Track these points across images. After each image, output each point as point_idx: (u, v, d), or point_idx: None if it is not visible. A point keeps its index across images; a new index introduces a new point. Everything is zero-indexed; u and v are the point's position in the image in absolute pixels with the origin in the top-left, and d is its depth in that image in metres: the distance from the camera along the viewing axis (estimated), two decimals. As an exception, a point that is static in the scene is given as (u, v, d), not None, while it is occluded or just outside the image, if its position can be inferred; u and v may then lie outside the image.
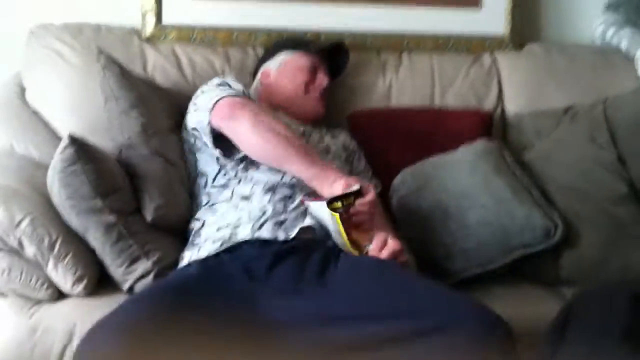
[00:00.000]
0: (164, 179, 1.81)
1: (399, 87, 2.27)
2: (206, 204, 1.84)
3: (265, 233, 1.70)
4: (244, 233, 1.71)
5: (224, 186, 1.83)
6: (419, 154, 2.04)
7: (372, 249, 1.64)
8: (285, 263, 1.64)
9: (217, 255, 1.68)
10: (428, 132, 2.13)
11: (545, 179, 1.97)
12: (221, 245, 1.70)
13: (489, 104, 2.30)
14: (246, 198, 1.78)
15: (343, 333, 1.48)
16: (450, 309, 1.44)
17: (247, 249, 1.68)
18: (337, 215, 1.60)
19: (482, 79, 2.32)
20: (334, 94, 2.18)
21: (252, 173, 1.81)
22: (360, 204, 1.64)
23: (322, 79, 2.08)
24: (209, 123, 1.79)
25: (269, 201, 1.76)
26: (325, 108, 2.09)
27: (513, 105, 2.30)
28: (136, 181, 1.78)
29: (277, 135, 1.74)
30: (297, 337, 1.49)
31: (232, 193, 1.81)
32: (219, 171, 1.84)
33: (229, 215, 1.77)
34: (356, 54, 2.27)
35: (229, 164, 1.83)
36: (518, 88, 2.31)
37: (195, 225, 1.81)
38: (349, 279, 1.59)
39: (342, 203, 1.61)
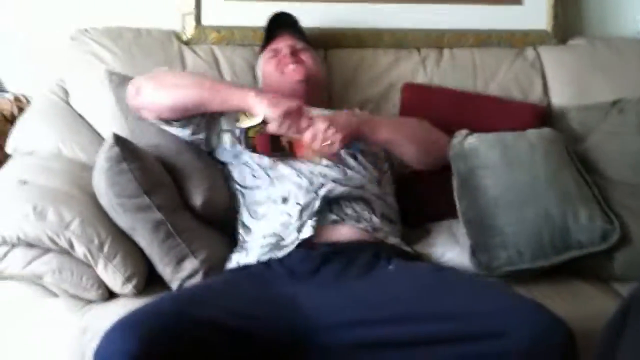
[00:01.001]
0: (200, 165, 1.83)
1: (440, 81, 2.25)
2: (245, 206, 1.84)
3: (307, 232, 1.69)
4: (290, 238, 1.71)
5: (258, 187, 1.83)
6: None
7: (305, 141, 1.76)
8: (330, 264, 1.64)
9: (265, 261, 1.69)
10: (481, 118, 2.09)
11: (595, 172, 1.94)
12: (269, 250, 1.70)
13: (533, 97, 2.28)
14: (285, 200, 1.78)
15: (392, 332, 1.46)
16: (510, 311, 1.43)
17: (294, 253, 1.68)
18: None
19: (526, 73, 2.30)
20: (371, 88, 2.21)
21: (281, 171, 1.81)
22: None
23: (280, 47, 2.03)
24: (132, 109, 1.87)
25: (304, 199, 1.75)
26: (306, 68, 2.00)
27: (558, 99, 2.28)
28: (175, 175, 1.79)
29: (180, 84, 1.81)
30: (341, 336, 1.48)
31: (268, 196, 1.80)
32: (245, 170, 1.86)
33: (273, 220, 1.76)
34: (395, 50, 2.27)
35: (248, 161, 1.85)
36: (563, 82, 2.30)
37: (241, 231, 1.82)
38: (400, 279, 1.58)
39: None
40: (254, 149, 1.80)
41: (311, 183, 1.77)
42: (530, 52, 2.35)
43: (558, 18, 2.38)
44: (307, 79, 1.97)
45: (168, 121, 1.85)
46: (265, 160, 1.84)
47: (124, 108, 1.95)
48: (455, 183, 1.89)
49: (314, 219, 1.71)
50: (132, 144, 1.74)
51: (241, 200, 1.85)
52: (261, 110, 1.76)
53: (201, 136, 1.88)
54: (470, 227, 1.83)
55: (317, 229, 1.71)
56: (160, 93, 1.82)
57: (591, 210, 1.82)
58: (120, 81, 1.98)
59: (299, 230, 1.71)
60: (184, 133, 1.87)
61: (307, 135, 1.77)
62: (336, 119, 1.80)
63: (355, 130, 1.82)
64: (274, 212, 1.77)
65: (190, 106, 1.81)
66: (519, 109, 2.19)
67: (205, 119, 1.87)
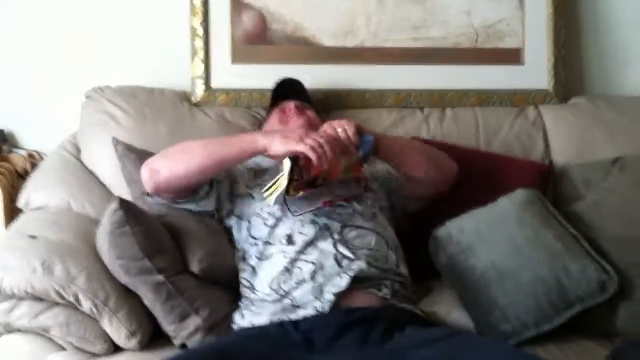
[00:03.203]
0: (201, 232, 1.84)
1: (443, 139, 2.28)
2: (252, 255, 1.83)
3: (327, 304, 1.68)
4: (303, 300, 1.70)
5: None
6: (471, 196, 2.01)
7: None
8: (348, 335, 1.63)
9: (278, 323, 1.69)
10: (482, 175, 2.12)
11: (596, 229, 1.94)
12: (282, 311, 1.70)
13: (535, 155, 2.30)
14: (290, 239, 1.78)
15: None
16: None
17: (310, 318, 1.68)
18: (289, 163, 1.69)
19: (528, 131, 2.32)
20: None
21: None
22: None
23: (288, 105, 2.07)
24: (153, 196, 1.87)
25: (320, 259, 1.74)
26: (309, 118, 2.04)
27: (560, 157, 2.30)
28: (177, 240, 1.81)
29: (190, 151, 1.82)
30: None
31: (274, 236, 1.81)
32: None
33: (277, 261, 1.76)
34: (399, 110, 2.31)
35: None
36: (564, 140, 2.31)
37: (244, 290, 1.81)
38: (420, 345, 1.57)
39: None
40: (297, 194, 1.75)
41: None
42: (531, 111, 2.37)
43: (559, 77, 2.42)
44: (309, 125, 2.00)
45: (188, 197, 1.87)
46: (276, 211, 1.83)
47: (126, 175, 1.99)
48: (443, 275, 1.92)
49: (336, 291, 1.69)
50: (136, 207, 1.77)
51: (250, 251, 1.84)
52: (281, 147, 1.74)
53: (224, 206, 1.90)
54: (470, 309, 1.84)
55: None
56: (175, 165, 1.81)
57: (582, 263, 1.81)
58: (124, 151, 2.03)
59: (316, 296, 1.70)
60: (207, 203, 1.88)
61: (323, 127, 1.79)
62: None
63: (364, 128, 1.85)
64: (279, 252, 1.77)
65: (207, 168, 1.81)
66: (520, 167, 2.20)
67: (221, 185, 1.90)
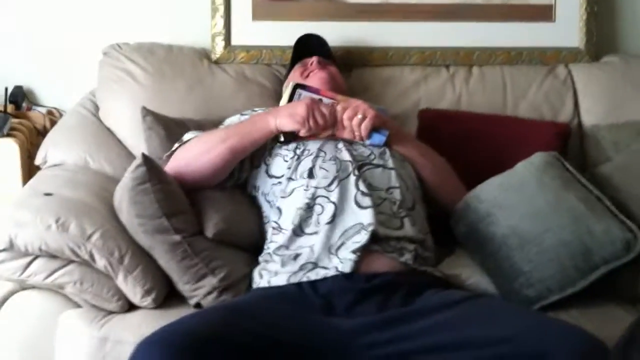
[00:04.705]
0: (219, 196, 1.83)
1: (469, 98, 2.24)
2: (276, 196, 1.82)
3: (347, 266, 1.65)
4: (324, 261, 1.68)
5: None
6: (489, 161, 1.99)
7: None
8: (368, 300, 1.62)
9: (296, 283, 1.67)
10: (500, 139, 2.08)
11: (624, 192, 1.88)
12: (300, 270, 1.68)
13: (564, 116, 2.25)
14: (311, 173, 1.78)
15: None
16: (550, 333, 1.43)
17: (329, 280, 1.65)
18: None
19: (557, 91, 2.27)
20: (399, 104, 2.20)
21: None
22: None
23: (308, 62, 2.05)
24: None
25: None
26: (331, 73, 2.03)
27: (590, 117, 2.25)
28: (194, 203, 1.79)
29: (205, 149, 1.80)
30: (378, 355, 1.48)
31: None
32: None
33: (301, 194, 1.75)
34: (423, 67, 2.27)
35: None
36: (595, 100, 2.26)
37: (268, 244, 1.80)
38: (440, 308, 1.56)
39: None
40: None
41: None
42: (561, 70, 2.32)
43: (591, 35, 2.35)
44: (332, 79, 2.00)
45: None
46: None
47: (151, 149, 1.96)
48: (464, 245, 1.89)
49: (358, 254, 1.66)
50: (159, 166, 1.75)
51: (275, 192, 1.82)
52: (287, 125, 1.79)
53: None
54: (493, 276, 1.81)
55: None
56: (199, 169, 1.81)
57: (606, 223, 1.76)
58: (152, 123, 1.98)
59: (335, 252, 1.68)
60: (240, 178, 1.89)
61: (339, 108, 1.81)
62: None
63: (384, 121, 1.84)
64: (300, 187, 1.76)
65: (228, 162, 1.82)
66: (539, 129, 2.15)
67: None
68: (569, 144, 2.15)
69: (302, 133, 1.80)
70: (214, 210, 1.78)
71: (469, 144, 2.09)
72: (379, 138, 1.83)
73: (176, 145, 1.87)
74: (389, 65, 2.29)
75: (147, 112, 2.00)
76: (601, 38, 2.38)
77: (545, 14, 2.35)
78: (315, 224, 1.72)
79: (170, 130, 1.97)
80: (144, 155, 1.71)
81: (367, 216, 1.70)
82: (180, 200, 1.74)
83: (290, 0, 2.29)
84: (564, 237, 1.76)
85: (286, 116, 1.80)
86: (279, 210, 1.78)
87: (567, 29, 2.35)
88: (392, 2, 2.31)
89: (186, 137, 1.88)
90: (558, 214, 1.79)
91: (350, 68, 2.25)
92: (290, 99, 1.87)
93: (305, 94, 1.88)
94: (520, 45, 2.34)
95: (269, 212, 1.83)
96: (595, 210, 1.79)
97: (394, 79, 2.25)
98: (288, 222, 1.74)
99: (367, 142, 1.83)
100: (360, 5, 2.31)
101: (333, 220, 1.70)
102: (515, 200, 1.82)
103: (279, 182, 1.81)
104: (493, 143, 2.08)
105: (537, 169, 1.86)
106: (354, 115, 1.80)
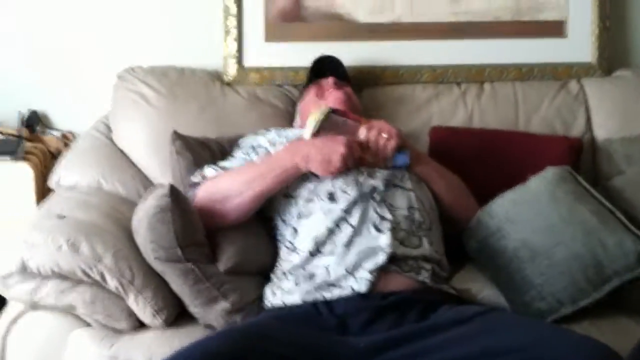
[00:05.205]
0: (236, 231, 1.81)
1: (481, 115, 2.24)
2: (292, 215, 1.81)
3: (363, 285, 1.65)
4: (339, 279, 1.68)
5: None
6: (501, 177, 1.98)
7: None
8: (383, 319, 1.61)
9: (311, 303, 1.67)
10: (513, 155, 2.08)
11: (636, 204, 1.88)
12: (315, 290, 1.68)
13: (576, 130, 2.24)
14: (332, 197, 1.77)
15: None
16: (564, 343, 1.43)
17: (344, 300, 1.65)
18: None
19: (569, 105, 2.27)
20: (410, 122, 2.20)
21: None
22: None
23: (326, 81, 2.05)
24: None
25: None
26: (347, 94, 2.02)
27: (603, 132, 2.24)
28: (209, 234, 1.79)
29: (233, 193, 1.78)
30: None
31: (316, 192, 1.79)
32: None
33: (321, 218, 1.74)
34: (434, 85, 2.27)
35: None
36: (608, 114, 2.25)
37: (280, 263, 1.80)
38: (454, 323, 1.56)
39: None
40: None
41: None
42: (573, 85, 2.31)
43: (603, 50, 2.34)
44: (348, 99, 2.00)
45: None
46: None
47: (176, 175, 1.95)
48: (476, 261, 1.88)
49: (374, 274, 1.67)
50: (184, 197, 1.75)
51: (291, 212, 1.82)
52: (319, 172, 1.77)
53: None
54: (504, 289, 1.80)
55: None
56: (228, 214, 1.79)
57: (619, 236, 1.75)
58: (181, 148, 1.96)
59: (351, 272, 1.67)
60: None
61: (362, 131, 1.79)
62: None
63: (404, 141, 1.84)
64: (320, 210, 1.75)
65: (256, 206, 1.80)
66: (552, 144, 2.14)
67: None
68: (582, 158, 2.14)
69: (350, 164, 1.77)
70: (228, 242, 1.78)
71: (481, 161, 2.08)
72: (402, 159, 1.82)
73: (198, 178, 1.86)
74: (401, 84, 2.29)
75: (177, 137, 1.99)
76: (613, 52, 2.37)
77: (557, 30, 2.35)
78: (332, 244, 1.72)
79: (198, 159, 1.95)
80: (171, 187, 1.71)
81: (385, 239, 1.70)
82: (198, 231, 1.74)
83: (302, 22, 2.31)
84: (576, 249, 1.75)
85: (319, 163, 1.76)
86: (295, 230, 1.78)
87: (579, 44, 2.35)
88: (403, 21, 2.32)
89: (207, 172, 1.87)
90: (570, 227, 1.78)
91: (362, 87, 2.25)
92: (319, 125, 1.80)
93: (332, 116, 1.83)
94: (531, 62, 2.34)
95: (283, 230, 1.83)
96: (608, 223, 1.78)
97: (405, 97, 2.26)
98: (305, 243, 1.74)
99: (391, 164, 1.81)
100: (371, 25, 2.32)
101: (350, 242, 1.70)
102: (528, 215, 1.82)
103: (295, 202, 1.81)
104: (505, 159, 2.08)
105: (549, 183, 1.85)
106: (379, 135, 1.80)
